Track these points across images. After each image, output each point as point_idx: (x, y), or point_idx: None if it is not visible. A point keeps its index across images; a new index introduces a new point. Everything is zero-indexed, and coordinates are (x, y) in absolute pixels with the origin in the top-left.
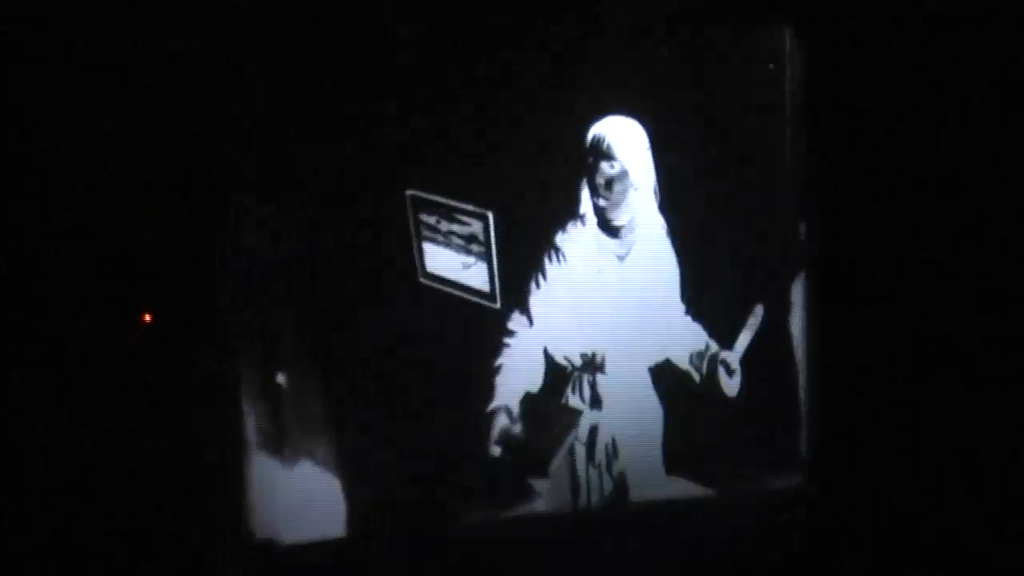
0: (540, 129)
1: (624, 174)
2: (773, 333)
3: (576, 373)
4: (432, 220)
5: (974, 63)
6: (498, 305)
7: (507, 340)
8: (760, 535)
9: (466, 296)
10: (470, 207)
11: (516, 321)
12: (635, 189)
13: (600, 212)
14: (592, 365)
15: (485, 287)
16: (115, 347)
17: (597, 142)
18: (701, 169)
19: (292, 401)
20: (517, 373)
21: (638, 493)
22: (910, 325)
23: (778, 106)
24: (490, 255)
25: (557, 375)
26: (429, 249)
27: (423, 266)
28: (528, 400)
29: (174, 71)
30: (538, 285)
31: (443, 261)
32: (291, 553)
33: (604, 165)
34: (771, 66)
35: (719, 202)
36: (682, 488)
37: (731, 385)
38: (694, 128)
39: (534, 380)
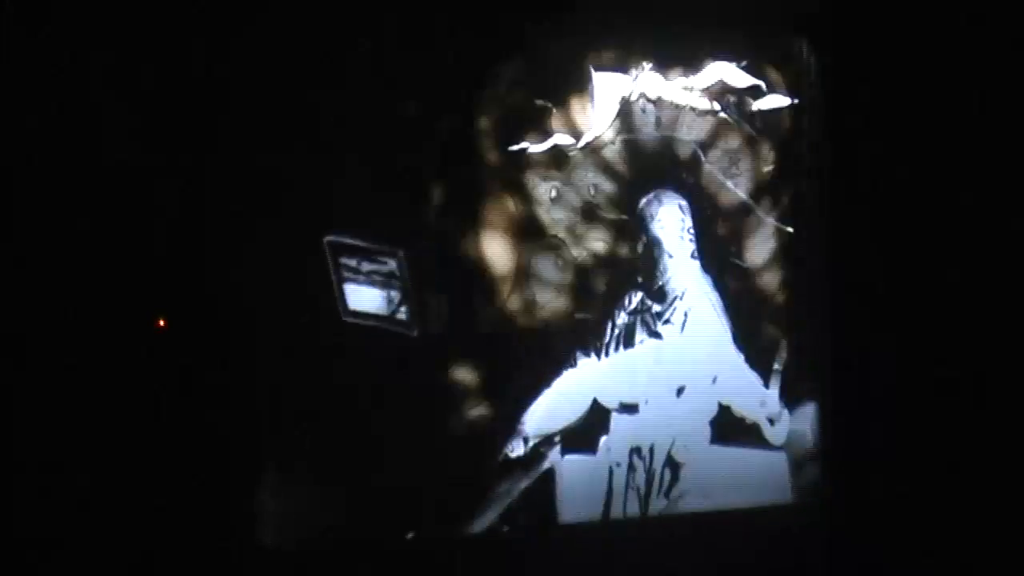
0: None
1: (660, 243)
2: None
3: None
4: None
5: (979, 65)
6: (415, 334)
7: (554, 383)
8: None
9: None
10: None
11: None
12: (670, 256)
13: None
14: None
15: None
16: (120, 350)
17: (644, 216)
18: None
19: (293, 404)
20: (551, 410)
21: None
22: (910, 326)
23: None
24: (406, 289)
25: (593, 418)
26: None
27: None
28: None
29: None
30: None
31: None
32: (291, 555)
33: (648, 233)
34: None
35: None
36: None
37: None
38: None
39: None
